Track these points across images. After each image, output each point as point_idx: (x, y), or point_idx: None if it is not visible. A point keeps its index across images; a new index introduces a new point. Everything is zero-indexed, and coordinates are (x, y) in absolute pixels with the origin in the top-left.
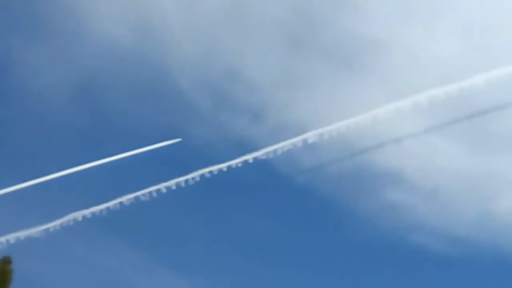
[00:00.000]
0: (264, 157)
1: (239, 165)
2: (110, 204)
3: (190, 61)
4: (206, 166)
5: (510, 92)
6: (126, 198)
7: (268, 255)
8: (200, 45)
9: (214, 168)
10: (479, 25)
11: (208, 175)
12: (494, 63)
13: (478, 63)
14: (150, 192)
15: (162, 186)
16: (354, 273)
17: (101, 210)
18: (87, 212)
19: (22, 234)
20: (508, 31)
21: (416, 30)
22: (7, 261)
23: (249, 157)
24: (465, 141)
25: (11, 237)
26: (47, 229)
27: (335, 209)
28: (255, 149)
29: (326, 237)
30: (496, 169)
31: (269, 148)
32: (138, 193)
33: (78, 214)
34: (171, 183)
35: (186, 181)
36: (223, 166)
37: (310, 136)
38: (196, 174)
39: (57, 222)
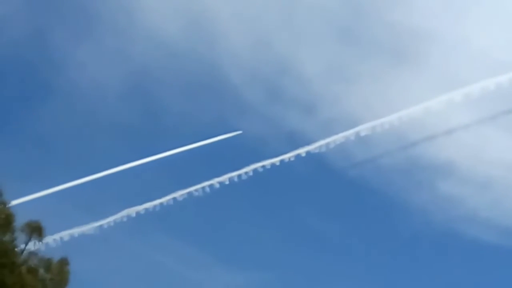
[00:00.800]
0: (316, 151)
1: (292, 159)
2: (164, 200)
3: (241, 56)
4: (259, 161)
5: None
6: (179, 194)
7: (321, 248)
8: (251, 39)
9: (267, 162)
10: None
11: (261, 170)
12: None
13: None
14: (203, 188)
15: (215, 181)
16: (407, 264)
17: (155, 206)
18: (140, 208)
19: (76, 231)
20: None
21: (468, 21)
22: (64, 262)
23: (302, 151)
24: None
25: (65, 234)
26: (101, 225)
27: (387, 201)
28: (308, 142)
29: (379, 229)
30: None
31: (322, 142)
32: (192, 189)
33: (132, 211)
34: (224, 178)
35: (239, 176)
36: (276, 160)
37: (362, 129)
38: (249, 168)
39: (111, 219)
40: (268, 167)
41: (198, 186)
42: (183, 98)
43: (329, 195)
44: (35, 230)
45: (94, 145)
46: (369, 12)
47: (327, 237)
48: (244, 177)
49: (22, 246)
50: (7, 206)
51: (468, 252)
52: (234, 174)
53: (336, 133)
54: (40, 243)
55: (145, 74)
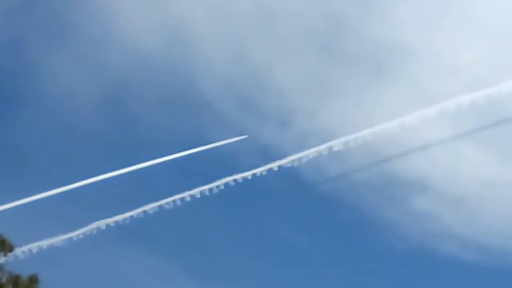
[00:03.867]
0: (289, 165)
1: (264, 173)
2: (134, 212)
3: (217, 68)
4: (231, 174)
5: None
6: (150, 207)
7: (292, 263)
8: (228, 52)
9: (239, 176)
10: (506, 32)
11: (232, 183)
12: None
13: (506, 69)
14: (174, 201)
15: (186, 194)
16: (380, 281)
17: (125, 219)
18: (110, 221)
19: (45, 243)
20: None
21: (443, 37)
22: (34, 279)
23: (274, 165)
24: (492, 149)
25: (34, 246)
26: (70, 238)
27: (360, 216)
28: (281, 156)
29: (352, 244)
30: None
31: (295, 156)
32: (162, 202)
33: (102, 223)
34: (196, 191)
35: (211, 189)
36: (247, 174)
37: (336, 144)
38: (220, 182)
39: (80, 231)
40: (240, 181)
41: (169, 199)
42: (158, 110)
43: (301, 210)
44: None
45: (66, 156)
46: (346, 27)
47: (299, 251)
48: (215, 190)
49: None
50: None
51: (442, 269)
52: (206, 187)
53: (310, 148)
54: (5, 257)
55: (121, 85)
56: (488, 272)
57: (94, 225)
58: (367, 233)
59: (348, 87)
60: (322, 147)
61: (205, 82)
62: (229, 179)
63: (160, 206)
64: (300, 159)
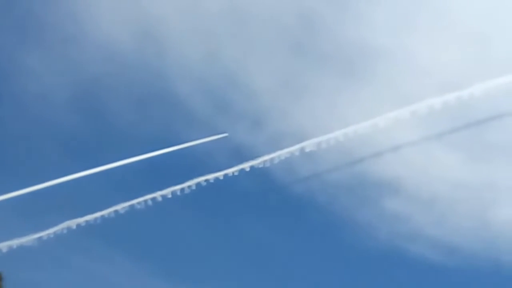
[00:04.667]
0: (261, 165)
1: (236, 173)
2: (105, 212)
3: (190, 67)
4: (202, 174)
5: (508, 102)
6: (121, 207)
7: (265, 264)
8: (201, 50)
9: (210, 176)
10: (480, 35)
11: (204, 184)
12: (494, 73)
13: (478, 72)
14: (145, 201)
15: (157, 194)
16: (352, 282)
17: (96, 219)
18: (81, 220)
19: (15, 242)
20: (508, 41)
21: (417, 39)
22: None
23: (246, 165)
24: (463, 151)
25: (3, 245)
26: (40, 237)
27: (332, 217)
28: (253, 156)
29: (323, 245)
30: (494, 179)
31: (267, 157)
32: (133, 202)
33: (72, 222)
34: (167, 191)
35: (182, 189)
36: (219, 174)
37: (308, 144)
38: (192, 182)
39: (51, 231)
40: (212, 181)
41: (141, 199)
42: (131, 109)
43: (273, 210)
44: None
45: (37, 154)
46: (320, 27)
47: (270, 252)
48: (186, 190)
49: None
50: None
51: (412, 269)
52: (177, 187)
53: (282, 148)
54: None
55: (94, 83)
56: (457, 273)
57: (65, 224)
58: (339, 234)
59: (321, 87)
60: (295, 148)
61: (178, 81)
62: (200, 179)
63: (131, 206)
64: (272, 159)
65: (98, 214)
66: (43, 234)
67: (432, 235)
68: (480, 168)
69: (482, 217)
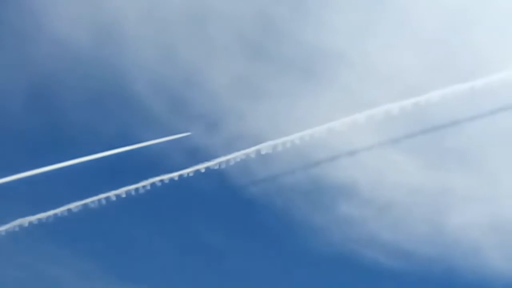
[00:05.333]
0: (217, 167)
1: (191, 174)
2: (58, 211)
3: (148, 65)
4: (157, 175)
5: (465, 108)
6: (74, 205)
7: (218, 265)
8: (159, 49)
9: (165, 177)
10: (438, 41)
11: (159, 184)
12: (451, 79)
13: (435, 78)
14: (99, 200)
15: (111, 193)
16: (304, 284)
17: (48, 217)
18: (33, 218)
19: None
20: (467, 48)
21: (376, 44)
22: None
23: (202, 166)
24: (420, 156)
25: None
26: None
27: (287, 220)
28: (209, 158)
29: (277, 249)
30: (449, 185)
31: (223, 158)
32: (87, 200)
33: (25, 221)
34: (121, 191)
35: (137, 189)
36: (174, 175)
37: (264, 147)
38: (146, 182)
39: (2, 228)
40: (167, 181)
41: (94, 198)
42: (86, 107)
43: (228, 212)
44: None
45: None
46: (281, 30)
47: (224, 254)
48: (141, 190)
49: None
50: None
51: (366, 274)
52: (131, 187)
53: (238, 150)
54: None
55: (49, 80)
56: (410, 278)
57: (17, 222)
58: (293, 237)
59: (279, 90)
60: (251, 150)
61: (135, 79)
62: (155, 179)
63: (85, 205)
64: (228, 161)
65: (51, 213)
66: None
67: (386, 240)
68: (436, 174)
69: (437, 223)
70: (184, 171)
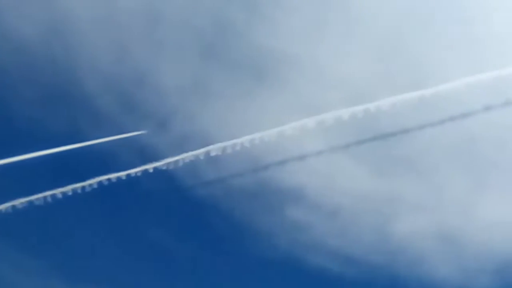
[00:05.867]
0: (165, 168)
1: (139, 174)
2: (2, 207)
3: (99, 64)
4: (105, 173)
5: (415, 116)
6: (19, 202)
7: (164, 265)
8: (110, 48)
9: (113, 176)
10: (389, 48)
11: (106, 183)
12: (401, 87)
13: (385, 84)
14: (44, 197)
15: (58, 191)
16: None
17: None
18: None
19: None
20: (417, 57)
21: (329, 49)
22: None
23: (150, 166)
24: (368, 163)
25: None
26: None
27: (234, 223)
28: (158, 158)
29: (223, 251)
30: (397, 192)
31: (171, 159)
32: (33, 197)
33: None
34: (68, 188)
35: (83, 187)
36: (122, 174)
37: (213, 149)
38: (93, 181)
39: None
40: (114, 180)
41: (40, 195)
42: (37, 103)
43: (175, 213)
44: None
45: None
46: (234, 31)
47: (171, 254)
48: (88, 189)
49: None
50: None
51: (311, 280)
52: (78, 185)
53: (188, 151)
54: None
55: None
56: (355, 285)
57: None
58: (239, 240)
59: (230, 92)
60: (200, 151)
61: (87, 79)
62: (102, 178)
63: (30, 202)
64: (176, 162)
65: None
66: None
67: (332, 246)
68: (384, 181)
69: (384, 230)
70: (132, 171)
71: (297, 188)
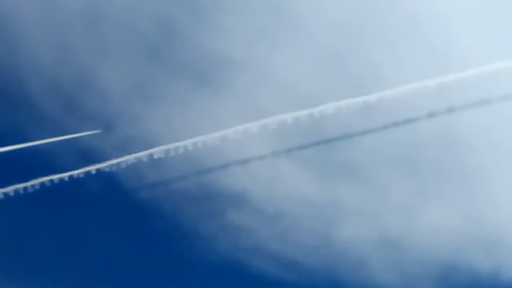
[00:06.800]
0: (107, 169)
1: (81, 175)
2: None
3: (41, 66)
4: (47, 174)
5: (357, 122)
6: None
7: (105, 268)
8: (53, 48)
9: (55, 177)
10: (335, 53)
11: (48, 184)
12: (346, 92)
13: (330, 90)
14: None
15: None
16: None
17: None
18: None
19: None
20: (362, 62)
21: (273, 52)
22: None
23: (92, 168)
24: (311, 168)
25: None
26: None
27: (175, 226)
28: (101, 160)
29: (165, 254)
30: (339, 198)
31: (114, 161)
32: None
33: None
34: (9, 189)
35: (25, 188)
36: (64, 175)
37: (156, 151)
38: (35, 181)
39: None
40: (57, 181)
41: None
42: None
43: (117, 215)
44: None
45: None
46: (178, 35)
47: (112, 256)
48: (30, 189)
49: None
50: None
51: (252, 284)
52: (20, 186)
53: (131, 153)
54: None
55: None
56: None
57: None
58: (180, 243)
59: (174, 95)
60: (143, 154)
61: (28, 79)
62: (45, 179)
63: None
64: (119, 164)
65: None
66: None
67: (274, 250)
68: (326, 186)
69: (325, 235)
70: (75, 172)
71: (240, 192)
